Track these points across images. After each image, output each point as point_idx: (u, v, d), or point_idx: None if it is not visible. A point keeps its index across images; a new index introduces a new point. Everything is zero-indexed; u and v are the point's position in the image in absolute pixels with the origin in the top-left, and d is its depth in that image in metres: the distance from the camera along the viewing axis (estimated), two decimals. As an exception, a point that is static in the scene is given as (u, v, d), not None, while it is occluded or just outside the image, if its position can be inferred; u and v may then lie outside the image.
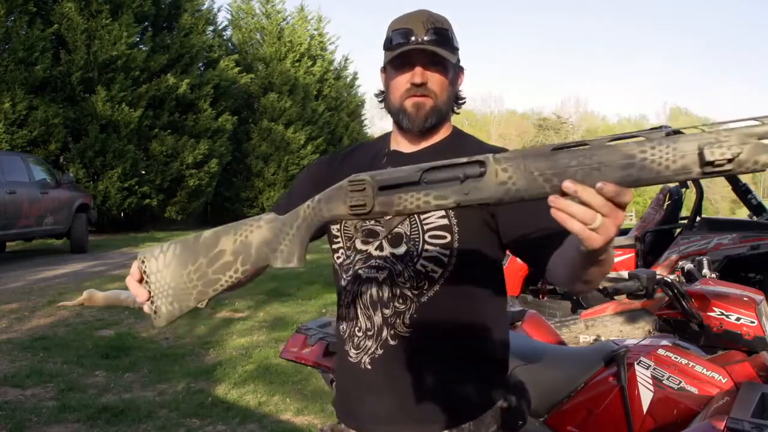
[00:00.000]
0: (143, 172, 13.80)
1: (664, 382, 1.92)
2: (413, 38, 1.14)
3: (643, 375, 1.93)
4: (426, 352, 1.17)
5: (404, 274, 1.16)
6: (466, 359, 1.19)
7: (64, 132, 12.18)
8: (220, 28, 18.14)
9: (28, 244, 10.02)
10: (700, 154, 0.65)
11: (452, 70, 1.20)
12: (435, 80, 1.17)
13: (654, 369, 1.94)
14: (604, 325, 2.95)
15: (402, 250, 1.17)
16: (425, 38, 1.14)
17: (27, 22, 11.60)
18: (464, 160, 0.74)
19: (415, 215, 1.16)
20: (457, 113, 1.29)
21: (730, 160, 0.64)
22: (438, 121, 1.20)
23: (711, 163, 0.65)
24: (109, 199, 12.93)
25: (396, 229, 1.18)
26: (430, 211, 0.76)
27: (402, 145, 1.25)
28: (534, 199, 0.72)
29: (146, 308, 0.95)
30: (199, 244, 0.91)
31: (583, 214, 0.68)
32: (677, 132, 0.69)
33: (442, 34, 1.15)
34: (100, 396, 3.58)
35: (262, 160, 18.08)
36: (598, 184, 0.67)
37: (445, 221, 1.16)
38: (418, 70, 1.15)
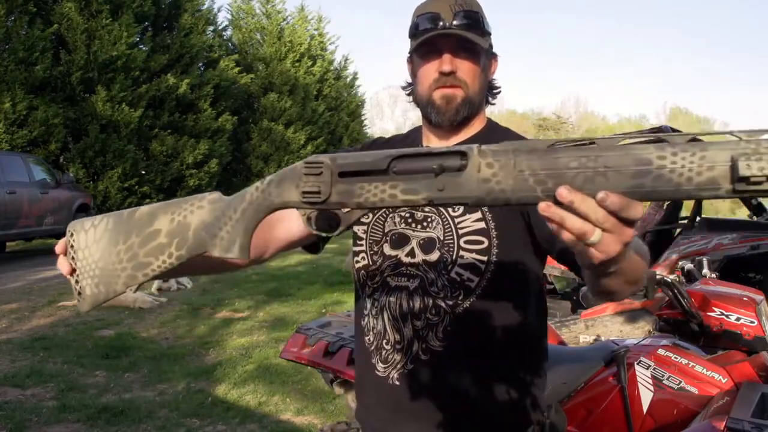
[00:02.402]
0: (143, 172, 13.77)
1: (664, 382, 1.93)
2: (440, 23, 1.04)
3: (643, 375, 1.93)
4: (460, 369, 1.07)
5: (437, 283, 1.06)
6: (503, 377, 1.09)
7: (64, 132, 12.16)
8: (220, 28, 18.12)
9: (28, 244, 10.01)
10: (733, 167, 0.52)
11: (484, 57, 1.09)
12: (465, 68, 1.06)
13: (654, 369, 1.94)
14: (604, 325, 2.95)
15: (435, 256, 1.07)
16: (453, 23, 1.03)
17: (27, 22, 11.58)
18: (443, 149, 0.63)
19: (448, 217, 1.08)
20: (492, 104, 1.18)
21: None
22: (470, 113, 1.09)
23: (745, 179, 0.52)
24: (109, 199, 12.92)
25: (428, 234, 1.08)
26: (396, 207, 0.67)
27: (432, 140, 1.15)
28: (522, 203, 0.60)
29: (72, 283, 0.85)
30: (133, 220, 0.80)
31: (579, 228, 0.57)
32: (695, 139, 0.56)
33: (472, 18, 1.05)
34: (100, 396, 3.58)
35: (262, 160, 18.08)
36: (600, 195, 0.55)
37: (482, 224, 1.05)
38: (446, 57, 1.05)
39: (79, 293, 0.83)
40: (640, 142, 0.58)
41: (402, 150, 0.65)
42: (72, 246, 0.84)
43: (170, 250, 0.77)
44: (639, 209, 0.57)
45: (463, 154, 0.61)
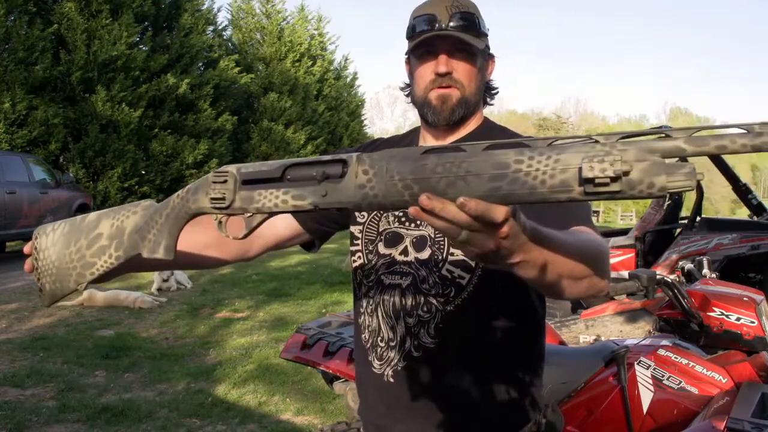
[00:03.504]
0: (143, 172, 13.77)
1: (664, 382, 1.93)
2: (437, 25, 1.05)
3: (643, 375, 1.93)
4: (453, 366, 1.07)
5: (429, 280, 1.07)
6: (497, 375, 1.09)
7: (64, 132, 12.16)
8: (220, 28, 18.12)
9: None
10: (580, 169, 0.54)
11: (480, 58, 1.10)
12: (461, 69, 1.07)
13: (654, 369, 1.94)
14: (604, 325, 2.95)
15: (426, 254, 1.08)
16: (450, 24, 1.05)
17: (27, 22, 11.57)
18: (328, 157, 0.69)
19: None
20: (491, 104, 1.19)
21: (614, 179, 0.54)
22: (466, 113, 1.10)
23: (591, 181, 0.54)
24: (109, 199, 12.91)
25: (420, 232, 1.09)
26: (288, 212, 0.71)
27: (428, 140, 1.16)
28: (395, 208, 0.64)
29: (35, 280, 0.94)
30: (83, 225, 0.89)
31: (445, 230, 0.60)
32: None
33: (468, 19, 1.06)
34: (100, 396, 3.58)
35: (262, 160, 18.07)
36: (459, 200, 0.57)
37: None
38: (442, 58, 1.06)
39: (41, 290, 0.93)
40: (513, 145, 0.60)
41: (295, 159, 0.71)
42: (36, 248, 0.94)
43: (110, 251, 0.86)
44: (499, 212, 0.58)
45: (344, 162, 0.66)
